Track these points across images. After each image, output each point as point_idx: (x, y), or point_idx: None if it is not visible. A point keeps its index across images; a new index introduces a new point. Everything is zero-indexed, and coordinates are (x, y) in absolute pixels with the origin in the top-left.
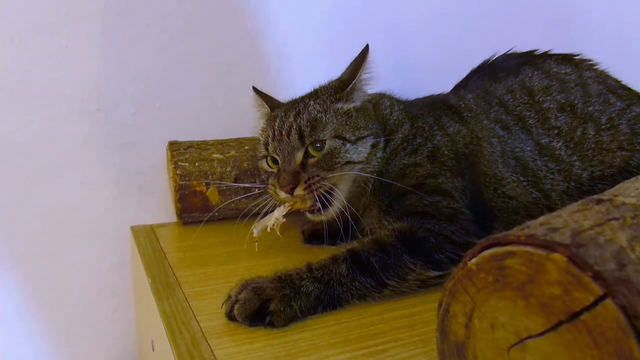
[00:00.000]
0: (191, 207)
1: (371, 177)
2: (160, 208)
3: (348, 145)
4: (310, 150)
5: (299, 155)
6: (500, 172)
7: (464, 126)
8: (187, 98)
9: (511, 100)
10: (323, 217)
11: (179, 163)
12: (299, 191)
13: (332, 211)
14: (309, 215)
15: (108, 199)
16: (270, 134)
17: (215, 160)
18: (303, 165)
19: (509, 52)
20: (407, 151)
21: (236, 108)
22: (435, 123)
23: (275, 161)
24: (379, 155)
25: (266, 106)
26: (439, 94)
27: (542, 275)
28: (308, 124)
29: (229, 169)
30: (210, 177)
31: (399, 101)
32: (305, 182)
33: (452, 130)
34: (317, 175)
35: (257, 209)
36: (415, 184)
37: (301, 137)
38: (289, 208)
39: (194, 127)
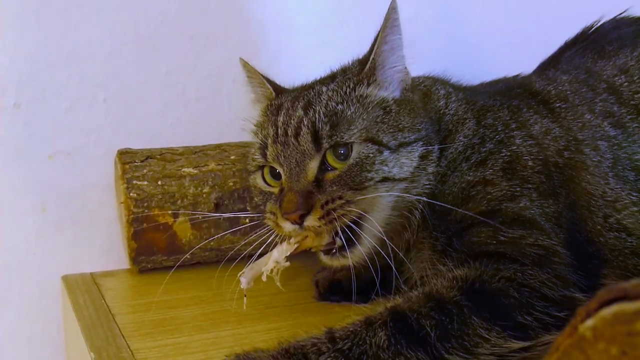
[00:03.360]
0: (151, 248)
1: (420, 201)
2: (105, 249)
3: (386, 153)
4: (329, 159)
5: (313, 166)
6: (613, 191)
7: (555, 123)
8: (146, 87)
9: (626, 84)
10: (348, 260)
11: (134, 182)
12: (312, 220)
13: (361, 251)
14: (324, 257)
15: (29, 235)
16: (271, 133)
17: (187, 177)
18: (318, 181)
19: (620, 17)
20: (473, 162)
21: (217, 100)
22: (513, 119)
23: (276, 175)
24: (430, 169)
25: (267, 85)
26: (515, 76)
27: None
28: (326, 119)
29: (206, 189)
30: (179, 202)
31: (456, 87)
32: (322, 207)
33: (538, 130)
34: (340, 197)
35: (250, 249)
36: (485, 210)
37: (316, 139)
38: (296, 246)
39: (155, 128)
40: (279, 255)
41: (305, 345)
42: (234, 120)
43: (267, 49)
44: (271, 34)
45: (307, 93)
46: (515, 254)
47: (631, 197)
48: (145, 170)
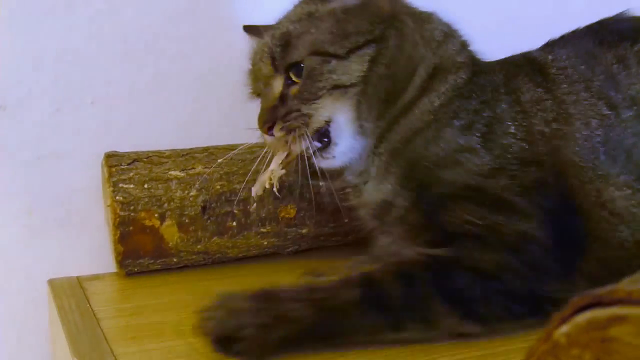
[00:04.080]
0: (138, 251)
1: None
2: (93, 252)
3: (333, 62)
4: (292, 76)
5: (277, 85)
6: (603, 167)
7: (549, 94)
8: (133, 89)
9: (624, 74)
10: (330, 160)
11: (120, 185)
12: (276, 131)
13: (340, 150)
14: (315, 161)
15: (15, 239)
16: (251, 61)
17: (174, 180)
18: (283, 97)
19: (623, 14)
20: (462, 124)
21: (206, 102)
22: (504, 84)
23: None
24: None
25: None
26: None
27: None
28: (279, 41)
29: (193, 192)
30: (166, 205)
31: (457, 33)
32: (282, 118)
33: (528, 98)
34: (298, 110)
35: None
36: (469, 185)
37: (273, 61)
38: (285, 154)
39: (143, 131)
40: (274, 164)
41: (283, 289)
42: (222, 122)
43: None
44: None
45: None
46: (491, 238)
47: (623, 178)
48: (131, 174)
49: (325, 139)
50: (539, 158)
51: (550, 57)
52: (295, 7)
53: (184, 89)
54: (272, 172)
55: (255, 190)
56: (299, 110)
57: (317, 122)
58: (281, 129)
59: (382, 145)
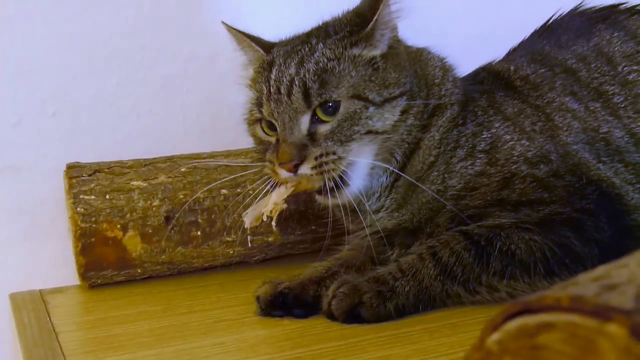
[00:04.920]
0: (101, 263)
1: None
2: (58, 264)
3: (371, 109)
4: (319, 113)
5: (305, 121)
6: (585, 157)
7: (525, 104)
8: (96, 100)
9: (584, 70)
10: (338, 199)
11: (81, 196)
12: (305, 169)
13: (349, 192)
14: (318, 197)
15: None
16: (265, 90)
17: (136, 190)
18: (311, 134)
19: (578, 9)
20: (465, 152)
21: (169, 113)
22: (490, 105)
23: (272, 127)
24: (409, 122)
25: (256, 47)
26: (489, 63)
27: (592, 358)
28: (316, 77)
29: (156, 202)
30: (128, 216)
31: (450, 68)
32: (316, 158)
33: (512, 112)
34: (334, 153)
35: (252, 193)
36: (491, 201)
37: (306, 96)
38: (292, 189)
39: (107, 142)
40: (277, 197)
41: (382, 273)
42: (187, 132)
43: (220, 61)
44: (225, 46)
45: (300, 49)
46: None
47: (611, 165)
48: (92, 185)
49: (339, 181)
50: (540, 152)
51: (512, 67)
52: (326, 41)
53: (148, 98)
54: (275, 205)
55: (250, 222)
56: (334, 153)
57: (345, 165)
58: (313, 168)
59: (400, 180)
